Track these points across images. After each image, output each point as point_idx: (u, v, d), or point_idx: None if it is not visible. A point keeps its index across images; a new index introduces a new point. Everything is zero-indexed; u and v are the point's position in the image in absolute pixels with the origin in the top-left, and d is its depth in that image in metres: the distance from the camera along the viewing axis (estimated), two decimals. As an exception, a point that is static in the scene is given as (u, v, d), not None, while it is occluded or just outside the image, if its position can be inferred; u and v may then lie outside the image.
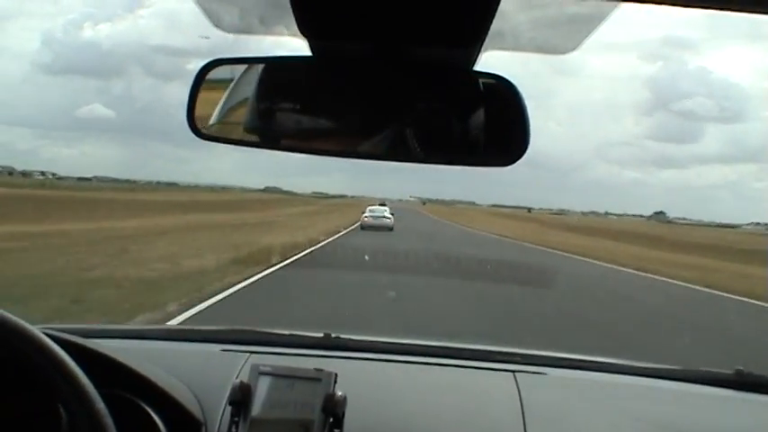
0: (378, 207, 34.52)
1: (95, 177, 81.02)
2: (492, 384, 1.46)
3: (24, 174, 66.54)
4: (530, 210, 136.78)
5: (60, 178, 70.58)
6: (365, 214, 31.41)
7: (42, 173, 69.08)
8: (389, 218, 31.32)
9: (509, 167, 0.93)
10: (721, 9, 0.66)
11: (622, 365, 1.62)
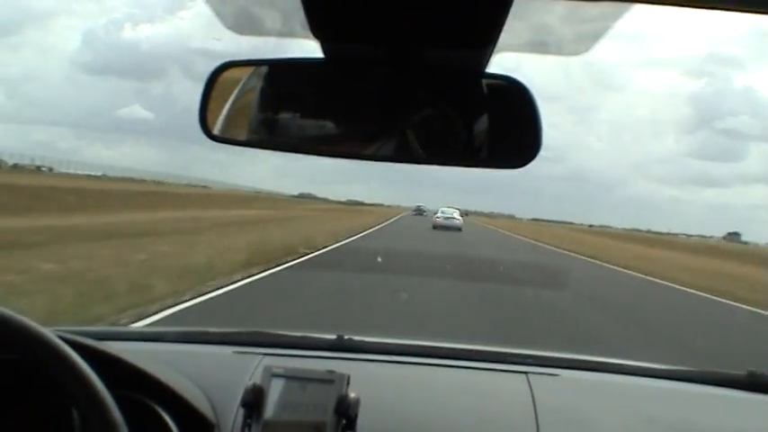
0: (448, 209, 37.67)
1: (105, 175, 73.53)
2: (505, 386, 1.45)
3: (16, 167, 58.78)
4: (590, 225, 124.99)
5: (63, 174, 63.41)
6: (437, 215, 36.11)
7: (38, 167, 62.09)
8: (459, 219, 35.69)
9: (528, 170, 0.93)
10: (731, 10, 0.67)
11: (635, 367, 1.61)
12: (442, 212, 36.31)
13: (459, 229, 33.89)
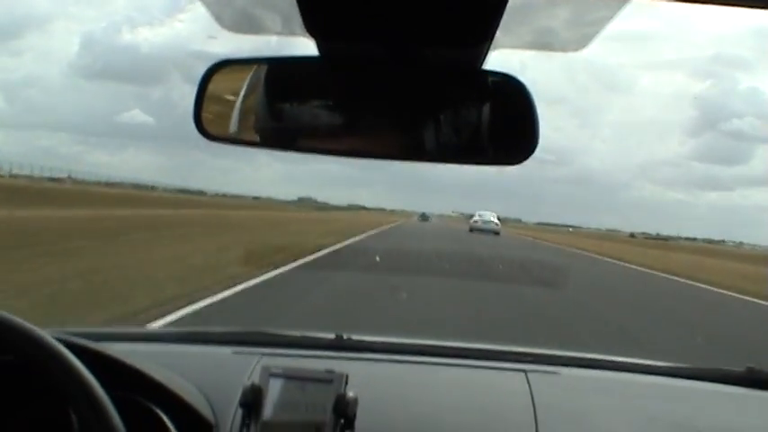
0: (485, 213, 36.78)
1: (70, 178, 70.74)
2: (503, 384, 1.45)
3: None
4: (632, 235, 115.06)
5: (14, 176, 60.77)
6: (474, 218, 35.55)
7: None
8: (497, 223, 35.12)
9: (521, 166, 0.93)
10: (733, 5, 0.66)
11: (635, 364, 1.62)
12: (480, 216, 35.83)
13: (497, 233, 33.25)
